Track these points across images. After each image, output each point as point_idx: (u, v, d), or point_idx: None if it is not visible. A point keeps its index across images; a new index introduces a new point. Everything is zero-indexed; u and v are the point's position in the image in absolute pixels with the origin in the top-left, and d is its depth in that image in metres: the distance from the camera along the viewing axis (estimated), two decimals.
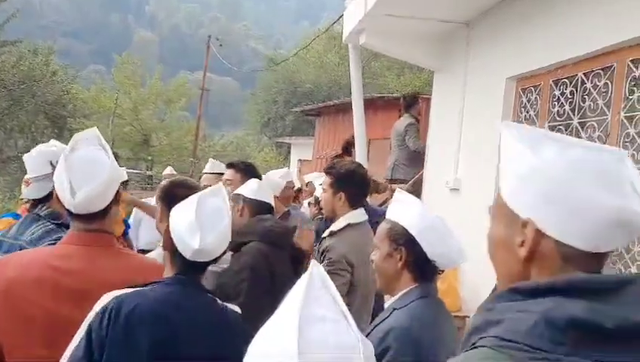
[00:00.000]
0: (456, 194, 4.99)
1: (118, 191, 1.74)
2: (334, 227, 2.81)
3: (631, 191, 0.83)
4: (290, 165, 17.69)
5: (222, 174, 3.54)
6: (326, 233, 2.86)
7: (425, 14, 4.98)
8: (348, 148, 6.63)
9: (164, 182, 2.32)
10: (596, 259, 0.86)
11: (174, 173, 7.32)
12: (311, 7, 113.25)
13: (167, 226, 1.65)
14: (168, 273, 1.65)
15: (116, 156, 2.24)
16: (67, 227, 2.22)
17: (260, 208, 2.73)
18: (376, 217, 2.85)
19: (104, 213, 1.69)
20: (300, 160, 15.65)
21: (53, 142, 2.43)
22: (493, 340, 0.82)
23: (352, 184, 2.83)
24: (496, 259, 0.95)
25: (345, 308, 0.83)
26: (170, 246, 1.64)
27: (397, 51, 5.81)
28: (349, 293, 2.70)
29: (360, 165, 3.09)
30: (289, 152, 24.03)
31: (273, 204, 2.87)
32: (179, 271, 1.62)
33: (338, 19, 8.02)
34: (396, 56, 6.08)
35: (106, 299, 1.51)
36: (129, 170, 14.76)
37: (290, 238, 2.75)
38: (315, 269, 0.87)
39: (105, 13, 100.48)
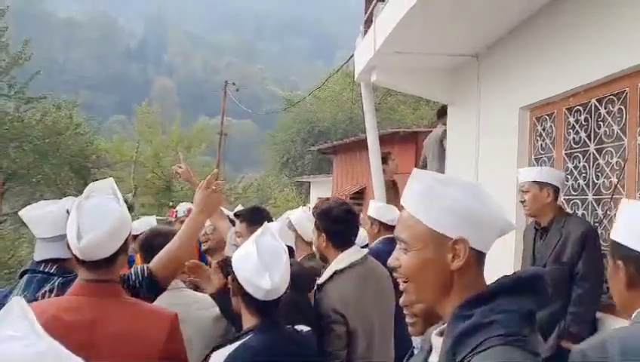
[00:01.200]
0: None
1: (126, 241, 1.75)
2: (321, 279, 2.67)
3: (500, 206, 1.15)
4: (310, 203, 17.75)
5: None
6: (315, 287, 2.72)
7: (433, 50, 5.03)
8: (384, 159, 6.45)
9: (142, 235, 2.41)
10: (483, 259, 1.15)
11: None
12: (324, 47, 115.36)
13: (234, 274, 1.81)
14: (248, 317, 1.82)
15: (131, 207, 2.29)
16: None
17: None
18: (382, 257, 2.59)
19: (111, 261, 1.69)
20: (319, 198, 15.69)
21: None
22: (500, 339, 0.97)
23: (332, 222, 2.65)
24: (422, 279, 1.14)
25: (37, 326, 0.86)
26: (239, 291, 1.78)
27: (408, 87, 5.86)
28: (349, 343, 2.57)
29: (343, 202, 2.87)
30: (309, 191, 24.12)
31: (294, 246, 2.84)
32: (260, 314, 1.79)
33: (349, 59, 8.16)
34: (408, 91, 6.14)
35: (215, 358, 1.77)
36: (157, 218, 14.98)
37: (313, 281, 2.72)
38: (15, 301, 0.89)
39: (125, 65, 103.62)
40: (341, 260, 2.64)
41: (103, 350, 1.52)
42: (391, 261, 1.20)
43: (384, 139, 6.66)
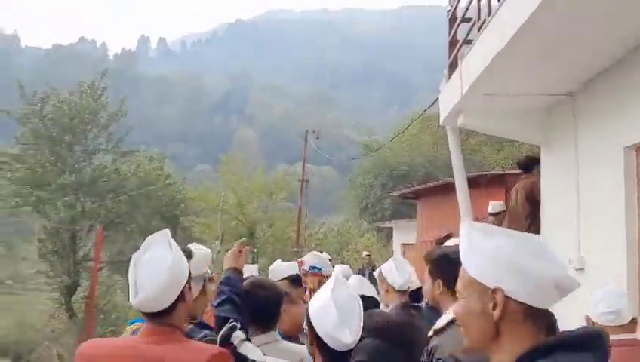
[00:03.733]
0: (581, 273, 4.60)
1: (183, 291, 1.80)
2: (438, 324, 2.58)
3: (560, 262, 1.18)
4: (392, 249, 17.44)
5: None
6: (431, 332, 2.65)
7: (524, 90, 4.87)
8: (529, 165, 6.10)
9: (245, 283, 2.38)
10: (546, 315, 1.18)
11: (330, 258, 7.26)
12: (400, 91, 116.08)
13: (311, 325, 1.86)
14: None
15: (189, 254, 2.34)
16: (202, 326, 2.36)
17: (367, 304, 2.65)
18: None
19: (168, 312, 1.76)
20: (403, 243, 15.38)
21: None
22: None
23: (451, 268, 2.64)
24: (471, 326, 1.23)
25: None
26: (317, 341, 1.84)
27: (497, 129, 5.69)
28: None
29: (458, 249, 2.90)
30: (389, 236, 23.78)
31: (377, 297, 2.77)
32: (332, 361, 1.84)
33: (433, 103, 8.09)
34: (497, 133, 5.95)
35: None
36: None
37: (409, 333, 2.62)
38: None
39: (209, 118, 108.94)
40: None
41: None
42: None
43: (470, 182, 6.45)
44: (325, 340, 1.79)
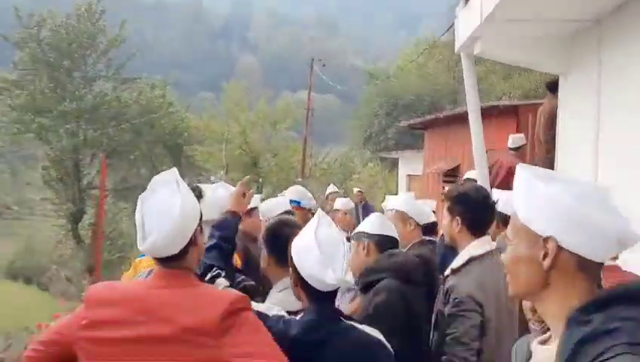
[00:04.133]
0: None
1: (195, 234, 1.72)
2: (455, 263, 2.57)
3: (624, 214, 1.10)
4: (397, 180, 17.42)
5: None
6: (447, 271, 2.62)
7: (548, 15, 4.57)
8: (553, 88, 5.78)
9: (268, 225, 2.27)
10: (598, 268, 1.13)
11: (337, 190, 7.13)
12: (408, 18, 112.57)
13: (295, 266, 1.81)
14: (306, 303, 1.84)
15: (199, 194, 2.20)
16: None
17: (387, 244, 2.56)
18: None
19: (179, 256, 1.67)
20: (408, 175, 15.31)
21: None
22: (625, 347, 0.93)
23: (471, 207, 2.55)
24: (518, 273, 1.19)
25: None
26: (301, 282, 1.80)
27: (516, 58, 5.41)
28: (481, 335, 2.43)
29: (480, 187, 2.85)
30: (393, 166, 23.72)
31: (398, 237, 2.69)
32: (319, 301, 1.80)
33: (449, 29, 7.71)
34: (515, 62, 5.69)
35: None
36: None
37: (428, 273, 2.55)
38: None
39: (211, 44, 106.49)
40: (477, 246, 2.52)
41: (157, 314, 1.56)
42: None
43: (481, 113, 6.22)
44: (308, 281, 1.76)
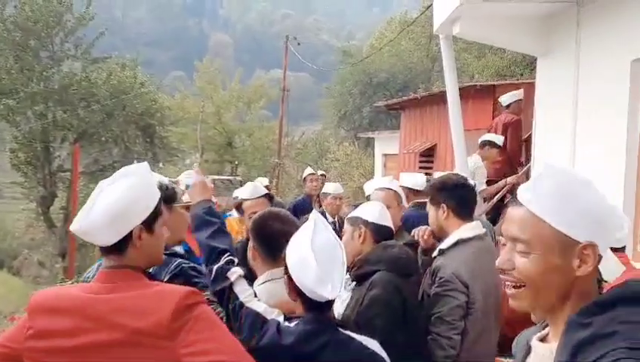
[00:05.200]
0: None
1: (138, 232, 1.60)
2: (444, 244, 2.60)
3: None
4: (374, 160, 17.45)
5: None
6: (435, 252, 2.65)
7: None
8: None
9: (256, 217, 2.16)
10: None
11: (314, 172, 6.96)
12: None
13: (289, 276, 1.70)
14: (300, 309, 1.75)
15: (172, 195, 2.17)
16: (173, 255, 2.21)
17: (383, 234, 2.54)
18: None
19: (116, 250, 1.59)
20: (384, 154, 15.33)
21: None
22: (624, 352, 0.90)
23: (455, 193, 2.63)
24: (543, 285, 1.08)
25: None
26: (297, 293, 1.69)
27: (494, 38, 5.43)
28: (467, 316, 2.47)
29: (459, 175, 2.94)
30: (367, 145, 23.70)
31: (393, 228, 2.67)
32: (315, 311, 1.70)
33: (427, 9, 7.66)
34: (493, 43, 5.71)
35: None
36: (215, 177, 14.93)
37: (417, 266, 2.56)
38: None
39: (182, 20, 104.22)
40: (465, 230, 2.57)
41: (106, 320, 1.49)
42: (501, 263, 1.14)
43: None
44: (307, 294, 1.67)
